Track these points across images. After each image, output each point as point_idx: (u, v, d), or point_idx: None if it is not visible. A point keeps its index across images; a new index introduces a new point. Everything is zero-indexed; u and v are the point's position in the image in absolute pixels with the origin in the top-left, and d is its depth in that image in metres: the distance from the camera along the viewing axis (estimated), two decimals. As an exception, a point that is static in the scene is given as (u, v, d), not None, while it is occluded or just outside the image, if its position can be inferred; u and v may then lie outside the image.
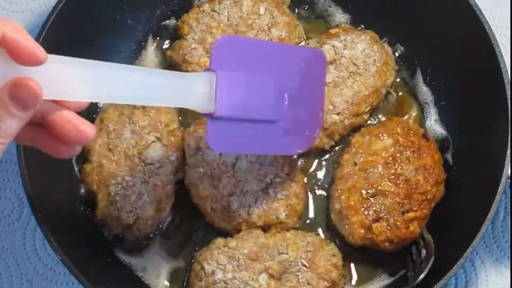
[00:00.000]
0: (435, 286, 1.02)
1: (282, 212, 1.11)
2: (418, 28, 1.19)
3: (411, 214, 1.10)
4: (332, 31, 1.20)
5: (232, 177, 1.12)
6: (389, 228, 1.10)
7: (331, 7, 1.25)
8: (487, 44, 1.08)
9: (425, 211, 1.11)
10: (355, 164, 1.13)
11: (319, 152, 1.19)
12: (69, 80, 0.79)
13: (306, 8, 1.26)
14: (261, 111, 1.01)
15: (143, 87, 0.87)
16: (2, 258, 1.23)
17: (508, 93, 1.05)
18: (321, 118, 1.10)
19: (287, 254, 1.07)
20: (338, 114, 1.15)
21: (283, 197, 1.11)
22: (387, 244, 1.11)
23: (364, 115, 1.17)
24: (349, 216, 1.10)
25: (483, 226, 1.02)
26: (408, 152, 1.13)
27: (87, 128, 0.82)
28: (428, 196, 1.11)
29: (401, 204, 1.10)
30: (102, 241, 1.16)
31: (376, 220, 1.10)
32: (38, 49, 0.74)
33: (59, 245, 1.03)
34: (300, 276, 1.05)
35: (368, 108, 1.16)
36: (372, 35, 1.20)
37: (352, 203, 1.11)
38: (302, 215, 1.15)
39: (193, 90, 0.92)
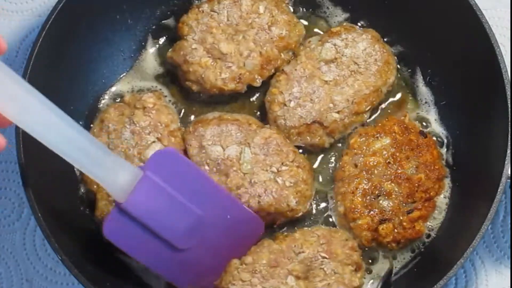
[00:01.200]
0: (435, 286, 1.02)
1: (292, 200, 1.12)
2: (418, 28, 1.19)
3: (416, 213, 1.10)
4: (334, 29, 1.20)
5: (238, 170, 1.12)
6: (395, 229, 1.10)
7: (330, 7, 1.25)
8: (487, 44, 1.08)
9: (429, 208, 1.11)
10: (356, 165, 1.13)
11: (320, 150, 1.19)
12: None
13: (305, 8, 1.26)
14: (169, 231, 1.02)
15: (74, 147, 0.90)
16: (2, 258, 1.23)
17: (508, 93, 1.05)
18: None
19: (304, 252, 1.07)
20: (338, 112, 1.15)
21: (292, 184, 1.12)
22: (394, 244, 1.11)
23: (364, 114, 1.17)
24: (354, 219, 1.10)
25: (483, 226, 1.02)
26: (407, 150, 1.13)
27: None
28: (431, 193, 1.11)
29: (405, 204, 1.10)
30: (102, 241, 1.16)
31: (382, 221, 1.10)
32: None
33: (59, 245, 1.04)
34: (325, 268, 1.05)
35: (368, 107, 1.17)
36: (374, 34, 1.20)
37: (356, 205, 1.11)
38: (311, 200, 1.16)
39: (116, 174, 0.95)
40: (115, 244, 1.03)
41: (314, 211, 1.17)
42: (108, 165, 0.94)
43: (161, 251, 1.04)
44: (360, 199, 1.11)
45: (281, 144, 1.14)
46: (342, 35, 1.18)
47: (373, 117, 1.20)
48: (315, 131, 1.16)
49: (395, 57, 1.21)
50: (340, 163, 1.15)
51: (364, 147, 1.14)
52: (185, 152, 1.15)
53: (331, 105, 1.15)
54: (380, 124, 1.16)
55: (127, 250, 1.04)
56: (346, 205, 1.12)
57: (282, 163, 1.13)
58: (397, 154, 1.13)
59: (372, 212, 1.10)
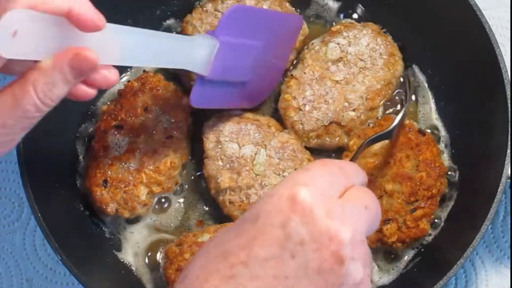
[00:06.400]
0: (435, 286, 1.02)
1: None
2: (418, 28, 1.19)
3: (419, 212, 1.10)
4: (334, 28, 1.20)
5: (251, 170, 1.12)
6: (399, 229, 1.10)
7: (329, 6, 1.25)
8: (487, 44, 1.07)
9: (432, 206, 1.11)
10: None
11: (337, 150, 1.18)
12: (107, 45, 0.86)
13: (305, 8, 1.26)
14: (242, 74, 1.10)
15: (150, 49, 0.93)
16: (2, 258, 1.23)
17: (508, 93, 1.05)
18: (278, 76, 1.20)
19: None
20: (354, 110, 1.15)
21: None
22: (399, 244, 1.11)
23: (378, 108, 1.17)
24: None
25: (483, 226, 1.02)
26: (407, 149, 1.13)
27: (112, 76, 0.87)
28: (433, 191, 1.11)
29: (407, 203, 1.10)
30: (102, 241, 1.16)
31: (386, 221, 1.10)
32: (98, 18, 0.81)
33: (59, 245, 1.04)
34: None
35: (382, 101, 1.17)
36: (374, 27, 1.19)
37: None
38: None
39: (195, 53, 1.00)
40: (202, 107, 1.11)
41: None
42: (189, 51, 0.99)
43: (235, 91, 1.12)
44: None
45: (297, 151, 1.14)
46: (343, 33, 1.18)
47: (387, 111, 1.20)
48: (333, 131, 1.16)
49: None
50: None
51: (364, 151, 1.14)
52: (202, 144, 1.16)
53: (346, 104, 1.15)
54: (378, 124, 1.16)
55: (212, 106, 1.12)
56: None
57: (295, 170, 1.13)
58: (397, 153, 1.13)
59: None
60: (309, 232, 0.70)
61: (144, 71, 1.21)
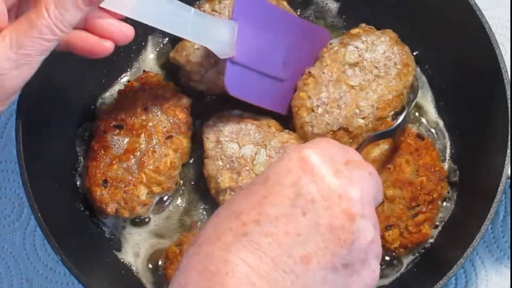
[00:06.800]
0: (435, 286, 1.02)
1: None
2: (418, 28, 1.19)
3: (421, 217, 1.10)
4: (353, 31, 1.18)
5: (251, 170, 1.12)
6: (401, 234, 1.10)
7: (329, 7, 1.25)
8: (487, 44, 1.07)
9: (434, 210, 1.11)
10: None
11: None
12: None
13: (305, 8, 1.26)
14: (272, 67, 1.13)
15: (175, 19, 0.99)
16: (2, 258, 1.23)
17: (508, 93, 1.05)
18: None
19: None
20: (363, 118, 1.13)
21: None
22: (401, 250, 1.11)
23: (387, 119, 1.15)
24: None
25: (483, 226, 1.02)
26: (406, 154, 1.12)
27: (128, 30, 0.93)
28: (434, 195, 1.11)
29: (409, 208, 1.10)
30: (102, 241, 1.16)
31: (388, 228, 1.10)
32: None
33: (59, 245, 1.04)
34: None
35: (392, 112, 1.15)
36: (392, 35, 1.17)
37: None
38: None
39: (215, 33, 1.04)
40: (240, 97, 1.12)
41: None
42: (212, 30, 1.04)
43: (271, 89, 1.14)
44: None
45: None
46: (362, 37, 1.16)
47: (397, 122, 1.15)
48: (340, 138, 1.14)
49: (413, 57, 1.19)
50: None
51: (364, 156, 1.12)
52: (202, 144, 1.15)
53: (357, 111, 1.13)
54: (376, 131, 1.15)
55: (249, 99, 1.13)
56: None
57: None
58: (397, 159, 1.12)
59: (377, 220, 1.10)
60: (319, 190, 0.72)
61: (144, 71, 1.21)
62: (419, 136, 1.14)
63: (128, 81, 1.20)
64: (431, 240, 1.14)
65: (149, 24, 0.97)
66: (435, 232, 1.14)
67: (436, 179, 1.11)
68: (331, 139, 0.80)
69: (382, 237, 1.09)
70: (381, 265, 1.12)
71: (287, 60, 1.14)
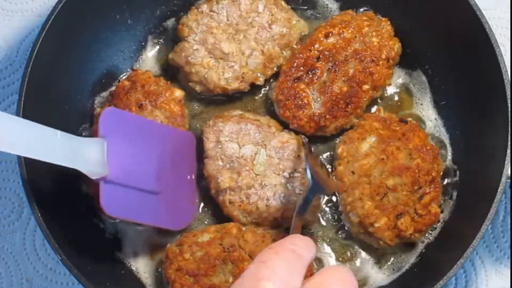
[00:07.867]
0: (435, 286, 1.02)
1: None
2: (418, 28, 1.19)
3: (426, 198, 1.10)
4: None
5: (251, 170, 1.12)
6: (413, 219, 1.10)
7: (329, 7, 1.25)
8: (487, 44, 1.08)
9: (437, 188, 1.11)
10: (353, 172, 1.12)
11: (336, 134, 1.19)
12: None
13: (305, 7, 1.26)
14: (146, 181, 1.09)
15: (42, 144, 0.94)
16: (2, 258, 1.23)
17: (508, 93, 1.05)
18: (193, 198, 1.17)
19: None
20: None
21: (301, 192, 1.12)
22: (417, 234, 1.11)
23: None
24: (372, 224, 1.10)
25: (483, 226, 1.02)
26: (395, 141, 1.12)
27: None
28: (433, 174, 1.11)
29: (413, 192, 1.10)
30: (102, 241, 1.16)
31: (398, 216, 1.10)
32: None
33: (59, 245, 1.04)
34: None
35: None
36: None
37: (369, 210, 1.10)
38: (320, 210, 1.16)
39: (85, 154, 1.00)
40: (115, 216, 1.09)
41: (324, 223, 1.17)
42: (78, 152, 0.99)
43: (150, 203, 1.10)
44: (370, 203, 1.10)
45: (298, 151, 1.14)
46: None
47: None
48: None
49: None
50: (337, 174, 1.14)
51: (354, 153, 1.13)
52: (202, 143, 1.16)
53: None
54: (359, 126, 1.15)
55: (129, 217, 1.09)
56: (359, 213, 1.11)
57: (295, 170, 1.13)
58: (387, 148, 1.12)
59: (386, 211, 1.10)
60: None
61: (132, 69, 1.21)
62: (402, 121, 1.14)
63: (119, 81, 1.20)
64: (430, 238, 1.14)
65: (16, 153, 0.93)
66: (436, 232, 1.14)
67: (430, 157, 1.11)
68: (279, 246, 0.79)
69: (395, 227, 1.09)
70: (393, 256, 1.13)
71: (160, 171, 1.11)
